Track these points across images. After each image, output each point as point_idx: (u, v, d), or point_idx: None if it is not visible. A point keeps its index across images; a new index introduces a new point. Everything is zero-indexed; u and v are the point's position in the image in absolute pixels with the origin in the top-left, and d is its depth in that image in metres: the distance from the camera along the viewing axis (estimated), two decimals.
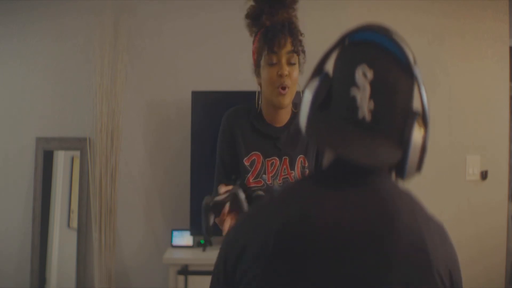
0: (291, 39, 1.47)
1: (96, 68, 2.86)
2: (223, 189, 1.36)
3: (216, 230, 1.35)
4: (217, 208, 1.31)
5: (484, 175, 2.96)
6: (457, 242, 0.85)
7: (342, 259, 0.75)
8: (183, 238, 2.83)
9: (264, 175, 1.56)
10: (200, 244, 2.78)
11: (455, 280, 0.80)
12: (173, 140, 2.94)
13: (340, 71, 0.85)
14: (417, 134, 0.80)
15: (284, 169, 1.56)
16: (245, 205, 1.31)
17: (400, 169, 0.82)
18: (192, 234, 2.79)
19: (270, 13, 1.49)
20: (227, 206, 1.31)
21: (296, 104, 1.59)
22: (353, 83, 0.80)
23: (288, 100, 1.50)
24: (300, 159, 1.57)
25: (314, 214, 0.78)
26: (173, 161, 2.94)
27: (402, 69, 0.80)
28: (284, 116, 1.58)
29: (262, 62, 1.50)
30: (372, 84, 0.79)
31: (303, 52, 1.52)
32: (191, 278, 2.59)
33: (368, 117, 0.79)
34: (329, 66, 0.89)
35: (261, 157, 1.56)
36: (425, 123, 0.81)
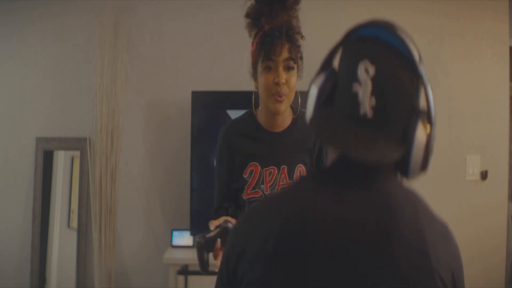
0: (288, 45, 1.43)
1: (96, 68, 2.86)
2: (213, 225, 1.36)
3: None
4: (210, 244, 1.33)
5: (484, 175, 2.96)
6: (457, 242, 0.85)
7: (342, 259, 0.75)
8: (183, 238, 2.83)
9: (262, 185, 1.53)
10: None
11: (458, 283, 0.79)
12: (173, 140, 2.94)
13: (343, 67, 0.84)
14: (421, 132, 0.78)
15: (283, 178, 1.53)
16: None
17: (404, 168, 0.80)
18: (192, 234, 2.79)
19: (269, 16, 1.46)
20: (218, 242, 1.33)
21: (296, 109, 1.56)
22: (355, 79, 0.79)
23: (284, 107, 1.47)
24: (299, 168, 1.54)
25: (314, 213, 0.78)
26: (173, 161, 2.94)
27: (405, 66, 0.79)
28: (282, 122, 1.55)
29: (259, 68, 1.47)
30: (374, 80, 0.78)
31: (301, 58, 1.49)
32: (191, 278, 2.59)
33: (369, 113, 0.78)
34: (336, 62, 0.88)
35: (259, 167, 1.53)
36: (430, 122, 0.80)
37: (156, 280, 2.92)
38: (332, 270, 0.75)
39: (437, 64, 2.90)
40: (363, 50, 0.81)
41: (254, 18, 1.50)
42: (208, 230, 1.36)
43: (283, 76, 1.44)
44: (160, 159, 2.97)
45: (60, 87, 2.97)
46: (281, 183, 1.53)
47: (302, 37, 1.50)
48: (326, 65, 0.88)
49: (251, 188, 1.53)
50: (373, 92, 0.78)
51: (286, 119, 1.55)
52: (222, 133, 1.60)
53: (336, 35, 0.87)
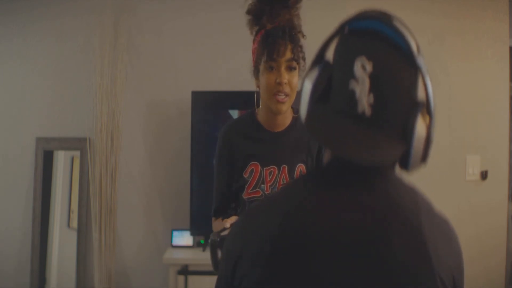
0: (291, 46, 1.43)
1: (96, 68, 2.86)
2: (228, 223, 1.34)
3: None
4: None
5: (484, 175, 2.96)
6: (458, 237, 0.84)
7: (340, 260, 0.74)
8: (183, 238, 2.83)
9: (262, 185, 1.53)
10: (200, 244, 2.78)
11: (457, 282, 0.79)
12: (173, 140, 2.94)
13: (338, 62, 0.80)
14: (421, 125, 0.76)
15: (283, 178, 1.52)
16: None
17: (404, 161, 0.78)
18: (192, 234, 2.78)
19: (271, 14, 1.46)
20: None
21: (296, 109, 1.56)
22: (351, 76, 0.76)
23: (286, 107, 1.47)
24: (299, 167, 1.53)
25: (311, 215, 0.76)
26: (173, 161, 2.94)
27: (404, 59, 0.76)
28: (282, 121, 1.55)
29: (261, 67, 1.47)
30: (372, 77, 0.75)
31: (303, 59, 1.48)
32: (191, 278, 2.59)
33: (368, 111, 0.75)
34: (330, 54, 0.85)
35: (259, 167, 1.53)
36: (429, 113, 0.77)
37: (156, 280, 2.92)
38: (331, 271, 0.74)
39: (437, 64, 2.90)
40: (359, 45, 0.77)
41: (255, 16, 1.50)
42: (223, 229, 1.33)
43: (285, 76, 1.44)
44: (160, 159, 2.97)
45: (60, 87, 2.97)
46: (281, 183, 1.53)
47: (303, 36, 1.50)
48: (319, 58, 0.84)
49: (251, 188, 1.53)
50: (371, 89, 0.75)
51: (286, 118, 1.55)
52: (222, 133, 1.60)
53: None
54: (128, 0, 2.95)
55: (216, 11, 2.92)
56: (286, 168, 1.53)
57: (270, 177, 1.53)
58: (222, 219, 1.53)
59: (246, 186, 1.53)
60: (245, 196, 1.54)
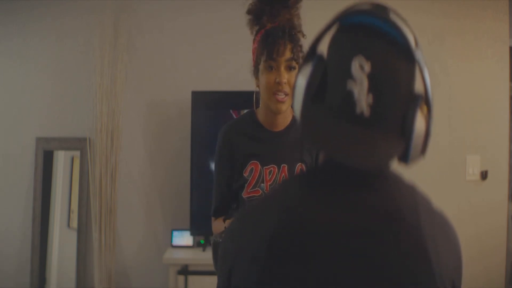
0: (291, 45, 1.43)
1: (96, 68, 2.86)
2: (229, 224, 1.34)
3: None
4: None
5: (484, 175, 2.95)
6: (458, 236, 0.84)
7: (337, 263, 0.73)
8: (183, 238, 2.83)
9: (262, 184, 1.52)
10: (200, 244, 2.78)
11: (456, 282, 0.79)
12: (173, 140, 2.94)
13: (334, 60, 0.77)
14: (420, 119, 0.74)
15: (283, 177, 1.53)
16: None
17: (403, 155, 0.76)
18: (192, 234, 2.78)
19: (271, 14, 1.46)
20: None
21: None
22: (349, 76, 0.73)
23: (286, 106, 1.47)
24: (299, 166, 1.53)
25: (307, 216, 0.75)
26: (173, 161, 2.94)
27: (402, 55, 0.74)
28: (282, 120, 1.55)
29: (261, 67, 1.47)
30: (370, 77, 0.72)
31: (303, 58, 1.50)
32: (191, 278, 2.59)
33: (366, 112, 0.73)
34: (322, 48, 0.82)
35: (259, 166, 1.53)
36: (428, 106, 0.76)
37: (156, 280, 2.92)
38: (329, 272, 0.73)
39: (437, 64, 2.90)
40: (355, 43, 0.75)
41: (256, 15, 1.50)
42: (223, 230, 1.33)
43: (285, 76, 1.44)
44: (160, 159, 2.97)
45: (60, 87, 2.97)
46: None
47: (303, 35, 1.50)
48: (311, 53, 0.81)
49: (251, 187, 1.53)
50: (370, 90, 0.73)
51: (286, 118, 1.56)
52: (222, 133, 1.60)
53: None
54: (128, 0, 2.95)
55: (216, 11, 2.92)
56: (286, 167, 1.53)
57: (270, 176, 1.53)
58: (223, 220, 1.53)
59: (246, 185, 1.53)
60: (244, 195, 1.53)
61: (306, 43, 1.52)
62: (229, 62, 2.88)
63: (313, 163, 1.55)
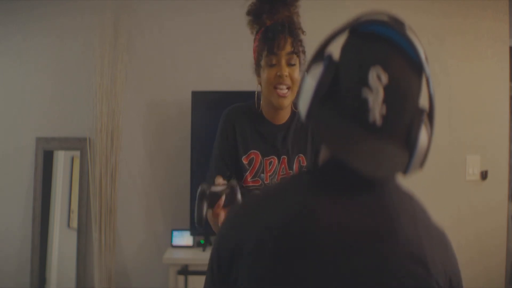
0: (291, 39, 1.46)
1: (96, 68, 2.86)
2: (220, 180, 1.33)
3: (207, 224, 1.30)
4: (213, 198, 1.26)
5: (484, 175, 2.96)
6: (457, 243, 0.86)
7: (340, 262, 0.74)
8: (183, 238, 2.83)
9: (262, 174, 1.55)
10: (200, 244, 2.79)
11: (454, 282, 0.79)
12: (173, 140, 2.94)
13: (350, 66, 0.78)
14: (424, 132, 0.77)
15: (283, 168, 1.55)
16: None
17: (404, 167, 0.78)
18: (192, 234, 2.79)
19: (270, 12, 1.48)
20: (222, 198, 1.26)
21: (296, 104, 1.58)
22: (365, 83, 0.74)
23: (288, 101, 1.49)
24: (298, 158, 1.56)
25: (314, 214, 0.76)
26: (173, 161, 2.94)
27: (415, 72, 0.76)
28: (283, 115, 1.57)
29: (262, 63, 1.49)
30: (387, 89, 0.74)
31: (303, 52, 1.50)
32: (191, 278, 2.59)
33: (379, 121, 0.75)
34: (330, 50, 0.83)
35: (260, 156, 1.55)
36: (430, 121, 0.78)
37: (156, 280, 2.92)
38: (335, 272, 0.74)
39: (437, 64, 2.90)
40: (374, 53, 0.76)
41: (255, 15, 1.52)
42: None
43: (286, 69, 1.46)
44: (160, 159, 2.97)
45: (60, 87, 2.97)
46: (281, 173, 1.55)
47: (303, 32, 1.52)
48: (321, 53, 0.82)
49: (251, 176, 1.55)
50: (385, 101, 0.74)
51: (286, 112, 1.57)
52: (226, 115, 1.60)
53: None
54: (128, 0, 2.95)
55: (216, 11, 2.92)
56: (286, 159, 1.55)
57: (270, 167, 1.55)
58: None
59: (246, 175, 1.55)
60: (244, 184, 1.55)
61: (306, 41, 1.53)
62: (229, 62, 2.88)
63: (312, 160, 1.55)
